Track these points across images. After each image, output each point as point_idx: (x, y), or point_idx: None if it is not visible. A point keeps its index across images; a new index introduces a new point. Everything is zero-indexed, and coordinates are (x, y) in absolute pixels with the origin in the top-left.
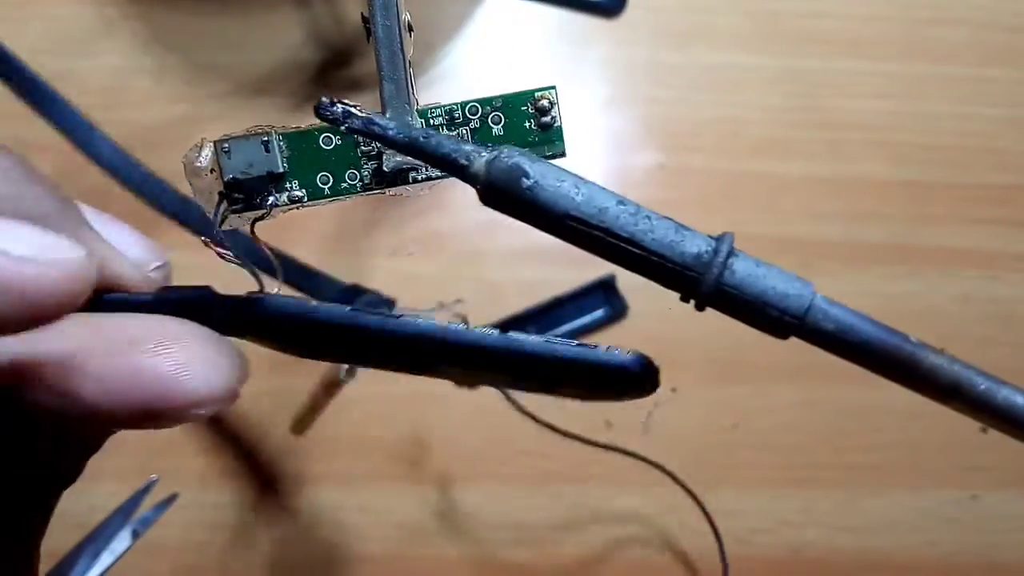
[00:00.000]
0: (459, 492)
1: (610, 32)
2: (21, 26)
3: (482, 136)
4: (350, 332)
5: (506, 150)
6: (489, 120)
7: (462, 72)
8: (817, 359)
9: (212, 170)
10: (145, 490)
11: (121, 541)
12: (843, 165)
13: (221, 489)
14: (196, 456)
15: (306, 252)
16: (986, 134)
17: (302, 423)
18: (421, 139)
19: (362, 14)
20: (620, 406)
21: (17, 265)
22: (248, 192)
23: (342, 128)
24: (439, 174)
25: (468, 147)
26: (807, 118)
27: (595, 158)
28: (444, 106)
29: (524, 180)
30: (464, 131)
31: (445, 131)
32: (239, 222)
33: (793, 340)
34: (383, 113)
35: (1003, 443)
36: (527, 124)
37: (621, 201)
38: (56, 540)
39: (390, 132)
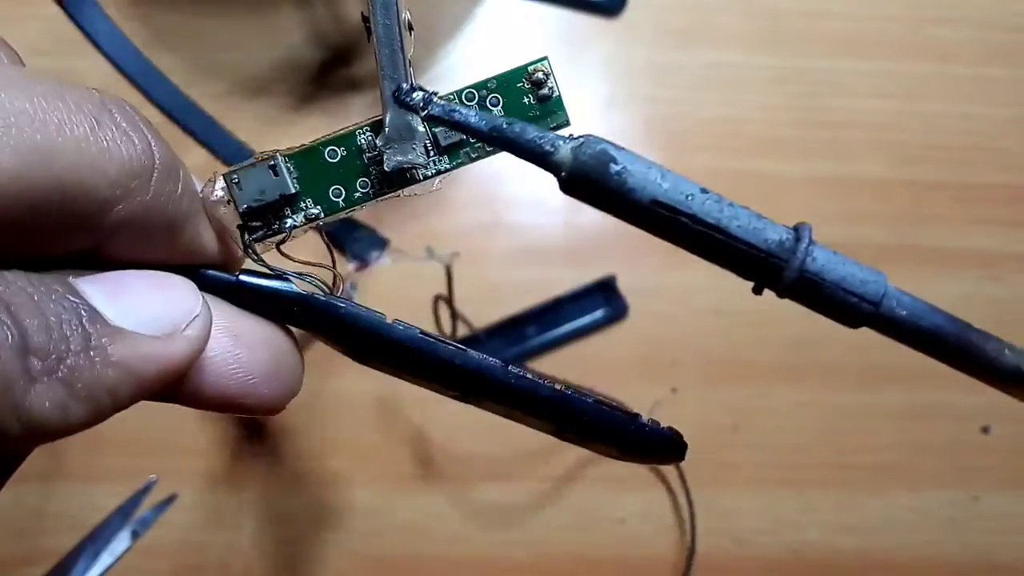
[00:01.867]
0: (460, 492)
1: (610, 32)
2: (20, 25)
3: None
4: (417, 355)
5: (591, 137)
6: (487, 103)
7: (462, 72)
8: (816, 360)
9: (228, 201)
10: (144, 490)
11: (120, 542)
12: (844, 165)
13: (220, 489)
14: (196, 456)
15: (306, 254)
16: (987, 134)
17: None
18: (504, 126)
19: (362, 13)
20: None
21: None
22: (265, 218)
23: (421, 115)
24: (447, 166)
25: (551, 134)
26: (808, 118)
27: None
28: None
29: (613, 166)
30: None
31: None
32: (265, 247)
33: (790, 340)
34: (383, 112)
35: (1003, 443)
36: (525, 100)
37: (704, 189)
38: (56, 540)
39: (472, 120)
